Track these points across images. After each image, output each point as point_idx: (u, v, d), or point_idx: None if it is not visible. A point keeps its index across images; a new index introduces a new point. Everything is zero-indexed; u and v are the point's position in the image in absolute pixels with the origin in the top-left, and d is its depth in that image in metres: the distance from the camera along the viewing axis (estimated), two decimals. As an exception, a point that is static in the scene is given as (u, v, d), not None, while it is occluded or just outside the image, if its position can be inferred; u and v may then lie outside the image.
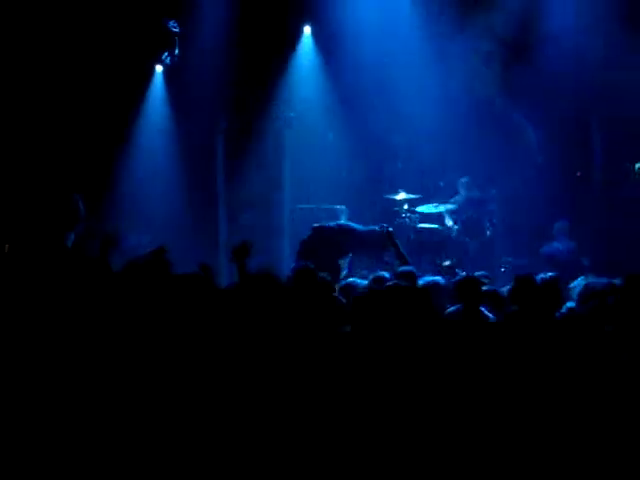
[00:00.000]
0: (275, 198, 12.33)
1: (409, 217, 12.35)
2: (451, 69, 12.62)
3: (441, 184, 13.10)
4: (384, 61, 12.67)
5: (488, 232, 12.62)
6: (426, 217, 12.53)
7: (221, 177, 11.91)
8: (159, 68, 12.54)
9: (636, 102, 11.58)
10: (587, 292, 6.42)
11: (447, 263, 9.36)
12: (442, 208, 12.68)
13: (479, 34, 12.52)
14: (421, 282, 7.13)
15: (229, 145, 11.97)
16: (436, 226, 12.47)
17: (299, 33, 13.09)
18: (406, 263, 8.81)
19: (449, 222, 12.64)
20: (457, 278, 7.09)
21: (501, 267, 12.23)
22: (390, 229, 9.54)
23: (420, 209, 12.53)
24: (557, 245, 11.71)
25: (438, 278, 7.34)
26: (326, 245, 9.43)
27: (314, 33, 13.16)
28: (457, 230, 12.63)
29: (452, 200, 12.79)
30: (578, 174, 13.01)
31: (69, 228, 8.73)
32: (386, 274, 7.34)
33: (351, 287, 7.00)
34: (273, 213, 12.24)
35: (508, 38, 12.54)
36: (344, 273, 9.42)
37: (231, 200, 12.12)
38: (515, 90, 12.64)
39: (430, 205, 12.67)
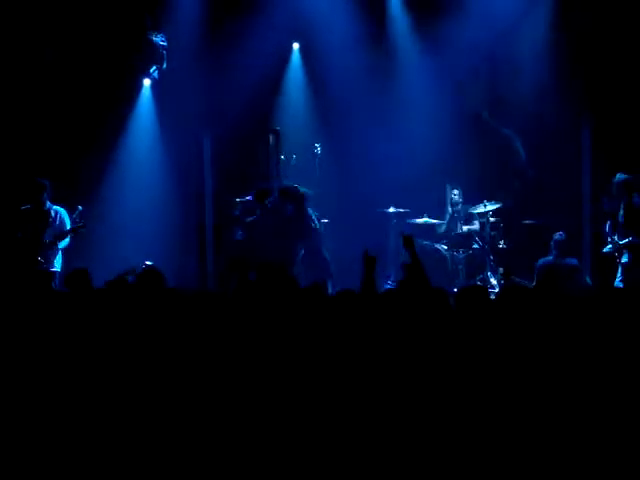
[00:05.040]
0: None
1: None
2: (439, 83, 12.68)
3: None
4: (370, 75, 12.75)
5: (477, 245, 12.58)
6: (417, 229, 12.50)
7: (209, 189, 11.87)
8: (147, 82, 12.57)
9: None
10: None
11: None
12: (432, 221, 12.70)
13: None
14: None
15: (217, 157, 11.94)
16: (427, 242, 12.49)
17: (288, 48, 13.21)
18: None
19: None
20: None
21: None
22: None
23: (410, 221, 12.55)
24: (553, 259, 11.42)
25: None
26: None
27: (302, 49, 13.26)
28: (447, 243, 12.64)
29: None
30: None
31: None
32: None
33: None
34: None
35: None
36: None
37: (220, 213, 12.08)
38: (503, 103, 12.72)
39: (419, 220, 12.67)
